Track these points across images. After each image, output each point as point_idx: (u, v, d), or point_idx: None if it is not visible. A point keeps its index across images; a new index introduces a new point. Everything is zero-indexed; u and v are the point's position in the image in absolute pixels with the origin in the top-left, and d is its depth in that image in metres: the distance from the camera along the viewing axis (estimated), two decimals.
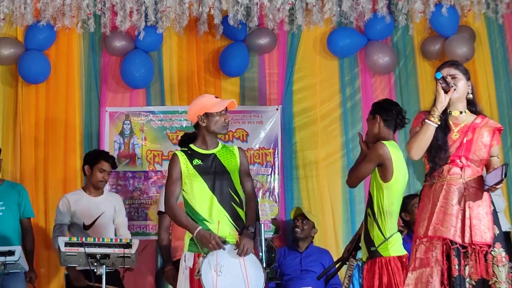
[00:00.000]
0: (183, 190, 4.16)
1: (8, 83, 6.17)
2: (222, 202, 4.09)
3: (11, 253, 4.76)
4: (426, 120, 3.53)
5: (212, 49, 6.29)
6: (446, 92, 3.54)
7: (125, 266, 4.75)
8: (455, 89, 3.57)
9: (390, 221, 4.13)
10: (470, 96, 3.68)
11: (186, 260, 4.06)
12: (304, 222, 5.66)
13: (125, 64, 6.12)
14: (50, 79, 6.15)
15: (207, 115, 4.12)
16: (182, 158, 4.14)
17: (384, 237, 4.10)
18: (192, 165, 4.12)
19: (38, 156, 6.07)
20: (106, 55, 6.26)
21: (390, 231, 4.12)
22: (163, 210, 5.31)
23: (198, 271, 3.96)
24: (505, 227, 5.09)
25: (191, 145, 4.22)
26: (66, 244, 4.59)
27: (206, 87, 6.29)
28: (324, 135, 6.22)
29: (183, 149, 4.25)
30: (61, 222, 5.33)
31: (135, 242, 4.66)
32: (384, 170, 4.11)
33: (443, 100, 3.54)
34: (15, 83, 6.16)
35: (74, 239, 4.65)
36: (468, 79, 3.68)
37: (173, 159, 4.16)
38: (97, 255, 4.57)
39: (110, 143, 6.14)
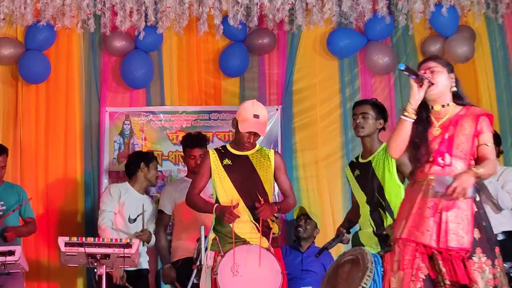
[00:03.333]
0: (213, 187, 4.33)
1: (8, 83, 6.18)
2: (246, 203, 4.21)
3: (11, 253, 4.76)
4: (401, 116, 3.42)
5: (212, 49, 6.29)
6: (421, 85, 3.40)
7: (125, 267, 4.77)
8: (432, 83, 3.42)
9: None
10: (454, 89, 3.50)
11: (208, 259, 4.17)
12: (307, 221, 5.68)
13: (125, 64, 6.12)
14: (50, 79, 6.15)
15: (238, 123, 4.30)
16: (213, 156, 4.31)
17: None
18: (222, 164, 4.27)
19: (38, 156, 6.08)
20: (106, 55, 6.26)
21: None
22: (163, 209, 5.39)
23: (215, 271, 4.00)
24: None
25: (227, 145, 4.40)
26: (66, 244, 4.58)
27: (206, 87, 6.30)
28: (324, 135, 6.22)
29: (218, 148, 4.41)
30: (110, 210, 5.30)
31: (135, 242, 4.66)
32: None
33: (415, 94, 3.40)
34: (15, 83, 6.16)
35: (74, 239, 4.65)
36: (451, 71, 3.51)
37: (205, 156, 4.38)
38: (97, 255, 4.57)
39: (110, 143, 6.14)
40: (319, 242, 5.79)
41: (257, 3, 5.88)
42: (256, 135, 4.28)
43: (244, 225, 4.17)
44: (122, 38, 6.10)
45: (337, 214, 6.08)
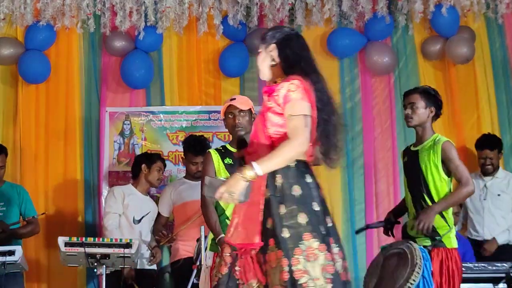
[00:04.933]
0: None
1: (8, 83, 6.18)
2: None
3: (11, 253, 4.77)
4: None
5: (212, 49, 6.29)
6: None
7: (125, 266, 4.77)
8: None
9: (451, 212, 4.18)
10: (272, 63, 3.09)
11: (207, 259, 4.16)
12: None
13: (125, 64, 6.12)
14: (50, 79, 6.15)
15: (224, 117, 4.29)
16: (215, 156, 4.25)
17: (449, 226, 4.10)
18: (224, 164, 4.23)
19: (38, 156, 6.08)
20: (106, 55, 6.26)
21: (452, 221, 4.17)
22: (160, 211, 5.42)
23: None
24: None
25: (226, 145, 4.35)
26: (66, 244, 4.59)
27: (206, 87, 6.30)
28: None
29: (217, 148, 4.36)
30: (115, 212, 5.31)
31: (135, 242, 4.66)
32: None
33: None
34: (15, 83, 6.16)
35: (74, 239, 4.66)
36: (270, 43, 3.10)
37: (207, 157, 4.27)
38: (97, 255, 4.58)
39: (110, 143, 6.14)
40: None
41: (257, 3, 5.88)
42: (235, 109, 4.15)
43: None
44: (122, 38, 6.10)
45: (337, 214, 6.06)
